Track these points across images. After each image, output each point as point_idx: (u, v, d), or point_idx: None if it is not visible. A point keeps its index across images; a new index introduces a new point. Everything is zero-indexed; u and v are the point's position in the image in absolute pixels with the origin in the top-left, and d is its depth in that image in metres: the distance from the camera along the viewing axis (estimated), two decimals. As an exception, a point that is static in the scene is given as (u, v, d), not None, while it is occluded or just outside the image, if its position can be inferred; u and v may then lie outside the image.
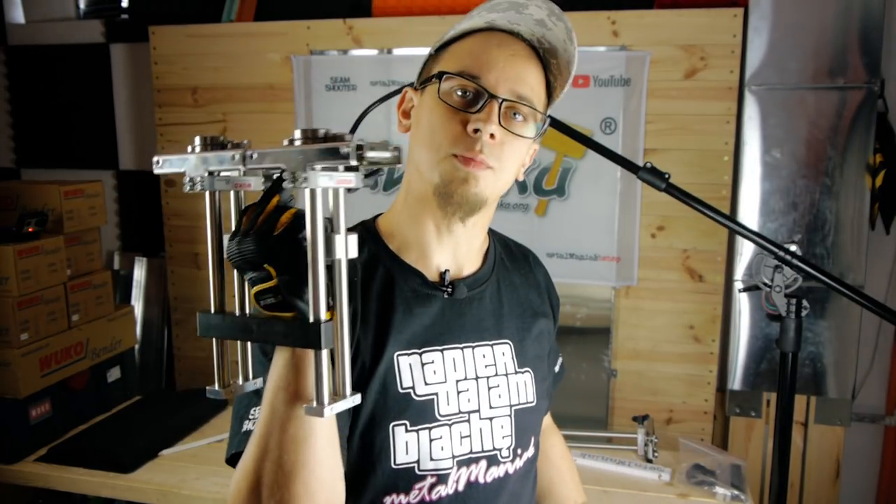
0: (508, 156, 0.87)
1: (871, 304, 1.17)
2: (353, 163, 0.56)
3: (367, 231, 0.96)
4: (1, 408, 1.98)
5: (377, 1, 2.38)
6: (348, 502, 0.76)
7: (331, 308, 0.61)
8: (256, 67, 2.44)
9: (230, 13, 2.51)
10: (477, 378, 0.92)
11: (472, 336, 0.93)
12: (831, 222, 2.04)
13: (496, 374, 0.94)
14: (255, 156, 0.60)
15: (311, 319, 0.60)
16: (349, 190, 0.62)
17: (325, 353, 0.61)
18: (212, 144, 0.64)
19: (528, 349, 0.99)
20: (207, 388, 0.68)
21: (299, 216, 0.61)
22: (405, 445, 0.86)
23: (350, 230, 0.63)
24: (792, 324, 1.30)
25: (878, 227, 2.13)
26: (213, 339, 0.67)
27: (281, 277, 0.61)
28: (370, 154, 0.57)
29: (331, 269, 0.61)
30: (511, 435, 0.94)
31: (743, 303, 2.15)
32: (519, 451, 0.95)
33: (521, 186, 2.27)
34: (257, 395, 0.72)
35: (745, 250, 2.13)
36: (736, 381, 2.18)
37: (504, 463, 0.93)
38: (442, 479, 0.88)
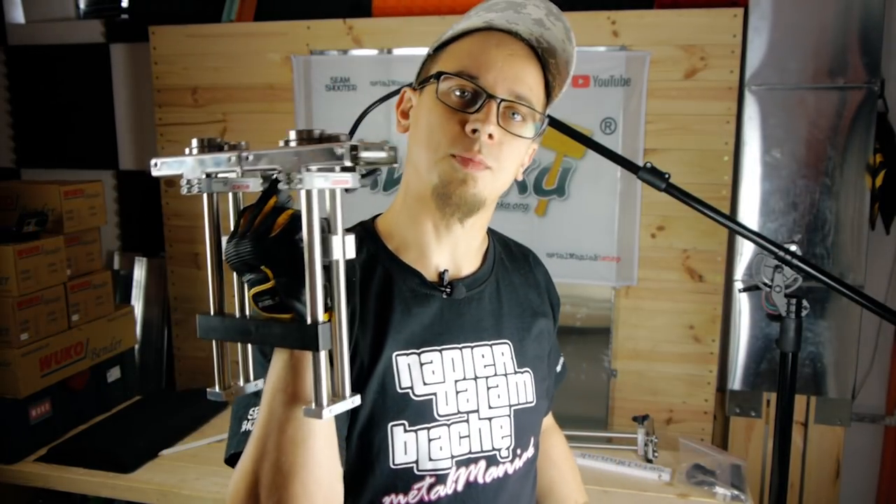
0: (507, 156, 0.87)
1: (871, 304, 1.17)
2: (348, 163, 0.56)
3: (366, 231, 0.96)
4: (1, 408, 1.98)
5: (377, 1, 2.38)
6: (347, 502, 0.76)
7: (329, 309, 0.61)
8: (256, 67, 2.44)
9: (230, 13, 2.51)
10: (476, 378, 0.92)
11: (470, 336, 0.93)
12: (831, 222, 2.04)
13: (495, 374, 0.94)
14: (250, 157, 0.60)
15: (309, 321, 0.60)
16: (347, 190, 0.62)
17: (323, 355, 0.60)
18: (209, 146, 0.64)
19: (528, 349, 0.99)
20: (208, 389, 0.68)
21: (296, 217, 0.61)
22: (404, 445, 0.86)
23: (348, 230, 0.63)
24: (792, 324, 1.30)
25: (878, 227, 2.13)
26: (213, 341, 0.67)
27: (278, 279, 0.61)
28: (365, 154, 0.57)
29: (329, 269, 0.61)
30: (510, 435, 0.93)
31: (743, 303, 2.15)
32: (518, 452, 0.95)
33: (521, 186, 2.27)
34: (256, 395, 0.71)
35: (745, 250, 2.13)
36: (736, 381, 2.18)
37: (503, 463, 0.93)
38: (441, 479, 0.88)
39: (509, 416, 0.94)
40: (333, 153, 0.56)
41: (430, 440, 0.87)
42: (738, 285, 2.14)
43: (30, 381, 2.01)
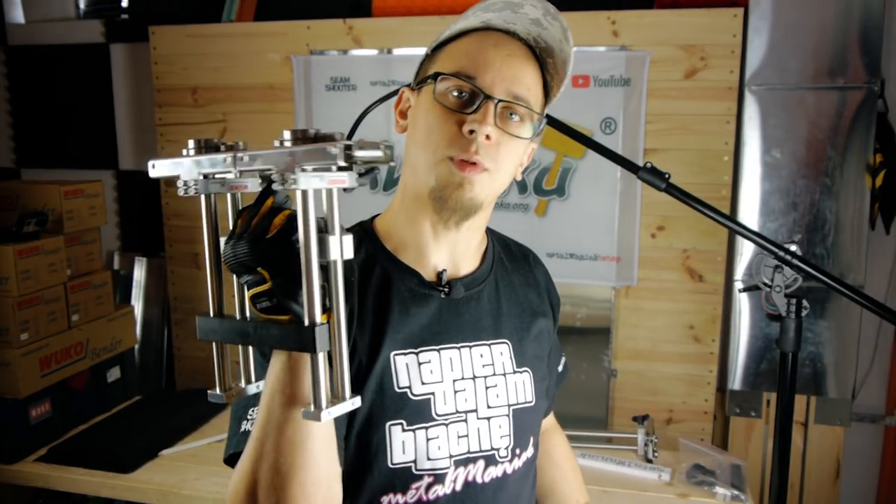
0: (505, 156, 0.87)
1: (871, 304, 1.17)
2: (342, 163, 0.56)
3: (365, 231, 0.96)
4: (1, 408, 1.98)
5: (377, 1, 2.38)
6: (345, 502, 0.76)
7: (328, 310, 0.61)
8: (256, 67, 2.44)
9: (230, 13, 2.51)
10: (474, 378, 0.92)
11: (469, 336, 0.93)
12: (831, 222, 2.04)
13: (494, 374, 0.94)
14: (245, 158, 0.59)
15: (306, 323, 0.59)
16: (346, 190, 0.61)
17: (321, 357, 0.60)
18: (205, 147, 0.64)
19: (527, 349, 0.99)
20: (209, 391, 0.68)
21: (293, 217, 0.61)
22: (402, 445, 0.86)
23: (347, 230, 0.63)
24: (792, 324, 1.30)
25: (878, 227, 2.13)
26: (213, 343, 0.67)
27: (274, 281, 0.61)
28: (360, 153, 0.56)
29: (326, 270, 0.60)
30: (509, 435, 0.93)
31: (743, 303, 2.15)
32: (517, 451, 0.95)
33: (521, 186, 2.27)
34: (256, 395, 0.71)
35: (745, 250, 2.13)
36: (736, 381, 2.18)
37: (502, 463, 0.93)
38: (439, 478, 0.88)
39: (508, 415, 0.94)
40: (327, 153, 0.55)
41: (428, 440, 0.87)
42: (738, 285, 2.14)
43: (30, 381, 2.01)
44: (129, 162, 2.83)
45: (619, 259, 2.25)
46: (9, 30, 2.88)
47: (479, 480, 0.91)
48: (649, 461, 1.93)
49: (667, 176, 1.22)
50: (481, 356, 0.93)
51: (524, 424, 0.96)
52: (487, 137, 0.84)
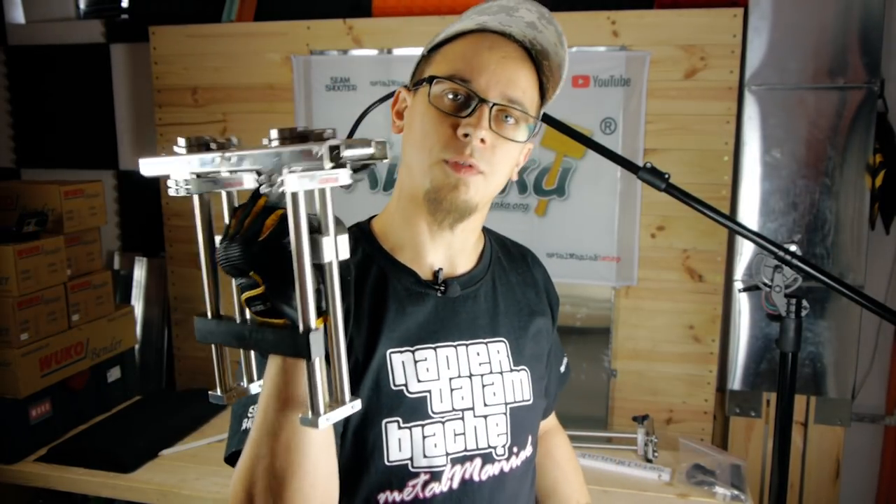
0: (500, 159, 0.87)
1: (871, 304, 1.17)
2: (328, 165, 0.53)
3: (362, 232, 0.97)
4: (1, 408, 1.98)
5: (377, 1, 2.38)
6: (342, 500, 0.76)
7: (324, 313, 0.59)
8: (256, 67, 2.44)
9: (230, 13, 2.51)
10: (471, 376, 0.92)
11: (466, 334, 0.93)
12: (831, 222, 2.04)
13: (491, 372, 0.94)
14: (233, 158, 0.57)
15: (301, 328, 0.57)
16: (343, 186, 0.59)
17: (318, 362, 0.58)
18: (196, 145, 0.62)
19: (525, 348, 0.99)
20: (209, 392, 0.67)
21: (286, 218, 0.58)
22: (398, 442, 0.86)
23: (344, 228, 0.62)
24: (792, 324, 1.30)
25: (878, 227, 2.13)
26: (213, 344, 0.67)
27: (267, 284, 0.59)
28: (347, 153, 0.54)
29: (321, 271, 0.59)
30: (506, 433, 0.94)
31: (743, 303, 2.15)
32: (515, 450, 0.95)
33: (521, 186, 2.27)
34: (257, 393, 0.72)
35: (745, 250, 2.13)
36: (736, 381, 2.18)
37: (499, 461, 0.93)
38: (436, 476, 0.88)
39: (505, 413, 0.94)
40: (312, 154, 0.53)
41: (424, 437, 0.88)
42: (738, 285, 2.14)
43: (30, 381, 2.01)
44: (129, 162, 2.83)
45: (619, 259, 2.25)
46: (9, 30, 2.88)
47: (476, 478, 0.91)
48: (649, 461, 1.93)
49: (667, 176, 1.22)
50: (478, 354, 0.94)
51: (522, 423, 0.96)
52: (482, 141, 0.84)
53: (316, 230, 0.58)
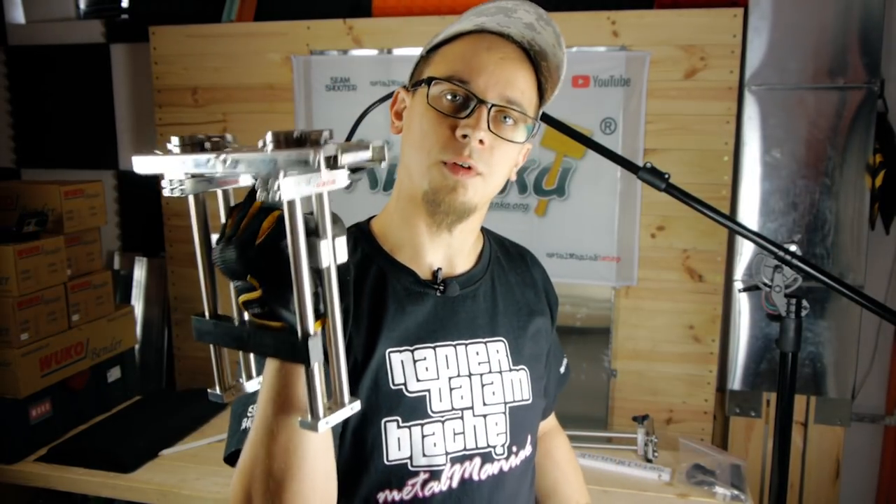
0: (498, 160, 0.87)
1: (871, 304, 1.17)
2: (324, 173, 0.52)
3: (361, 232, 0.97)
4: (1, 408, 1.98)
5: (377, 1, 2.38)
6: (342, 500, 0.76)
7: (322, 316, 0.58)
8: (256, 67, 2.44)
9: (230, 13, 2.51)
10: (470, 375, 0.92)
11: (465, 333, 0.94)
12: (831, 222, 2.04)
13: (490, 372, 0.94)
14: (228, 161, 0.55)
15: (299, 334, 0.57)
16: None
17: (316, 367, 0.58)
18: (190, 144, 0.60)
19: (524, 347, 0.99)
20: (209, 390, 0.67)
21: (282, 220, 0.56)
22: (397, 441, 0.86)
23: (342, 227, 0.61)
24: (792, 324, 1.30)
25: (878, 227, 2.13)
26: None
27: (264, 289, 0.59)
28: (345, 158, 0.53)
29: (320, 274, 0.58)
30: (506, 432, 0.94)
31: (743, 303, 2.15)
32: (514, 449, 0.95)
33: (521, 186, 2.27)
34: (256, 393, 0.71)
35: (745, 250, 2.13)
36: (736, 381, 2.18)
37: (499, 460, 0.93)
38: (435, 475, 0.88)
39: (504, 413, 0.94)
40: (307, 163, 0.51)
41: (423, 436, 0.88)
42: (738, 285, 2.14)
43: (30, 381, 2.01)
44: (129, 162, 2.79)
45: (619, 259, 2.25)
46: (9, 30, 2.88)
47: (475, 478, 0.91)
48: (649, 461, 1.93)
49: (667, 176, 1.22)
50: (477, 354, 0.94)
51: (521, 422, 0.96)
52: (481, 142, 0.84)
53: (313, 232, 0.56)
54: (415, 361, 0.89)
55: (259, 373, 0.70)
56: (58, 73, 2.84)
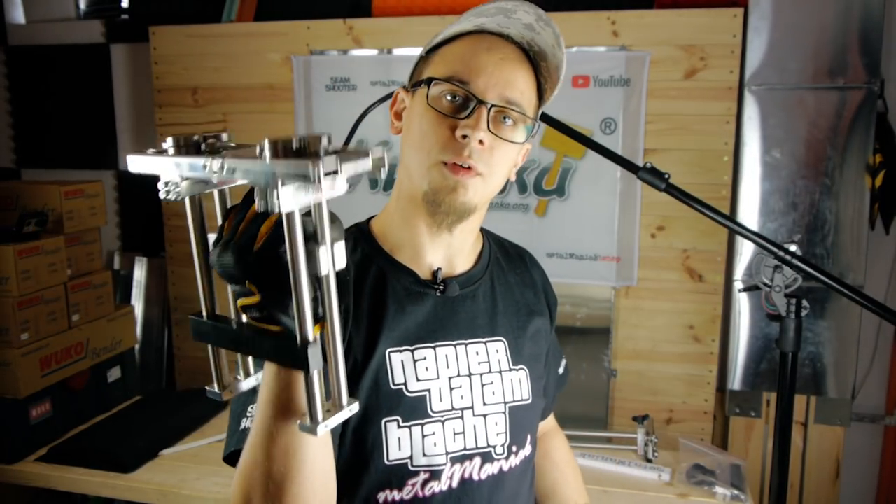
0: (498, 160, 0.87)
1: (871, 304, 1.17)
2: (324, 189, 0.51)
3: (361, 232, 0.97)
4: (1, 408, 1.98)
5: (377, 1, 2.38)
6: (342, 500, 0.76)
7: (321, 319, 0.58)
8: (256, 67, 2.44)
9: (230, 13, 2.51)
10: (470, 375, 0.92)
11: (465, 333, 0.94)
12: (831, 222, 2.04)
13: (490, 371, 0.94)
14: (224, 168, 0.54)
15: (298, 341, 0.56)
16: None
17: (315, 373, 0.57)
18: (185, 145, 0.58)
19: (524, 347, 0.99)
20: (207, 388, 0.66)
21: (280, 225, 0.55)
22: (398, 441, 0.86)
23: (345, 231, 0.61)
24: (792, 324, 1.30)
25: (878, 227, 2.13)
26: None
27: (263, 294, 0.58)
28: (345, 170, 0.51)
29: (319, 280, 0.57)
30: (506, 432, 0.94)
31: (743, 303, 2.15)
32: (514, 449, 0.95)
33: (521, 186, 2.27)
34: (255, 392, 0.71)
35: (745, 250, 2.13)
36: (736, 381, 2.18)
37: (499, 460, 0.93)
38: (435, 475, 0.88)
39: (504, 413, 0.94)
40: (307, 177, 0.49)
41: (423, 436, 0.88)
42: (738, 285, 2.14)
43: (30, 381, 2.01)
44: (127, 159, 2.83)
45: (619, 259, 2.25)
46: (9, 30, 2.88)
47: (475, 477, 0.91)
48: (649, 461, 1.93)
49: (667, 176, 1.22)
50: (477, 353, 0.94)
51: (521, 422, 0.96)
52: (481, 142, 0.84)
53: (312, 236, 0.55)
54: (415, 361, 0.89)
55: (257, 371, 0.70)
56: (58, 73, 2.84)
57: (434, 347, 0.91)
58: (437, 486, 0.88)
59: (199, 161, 0.55)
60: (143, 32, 2.55)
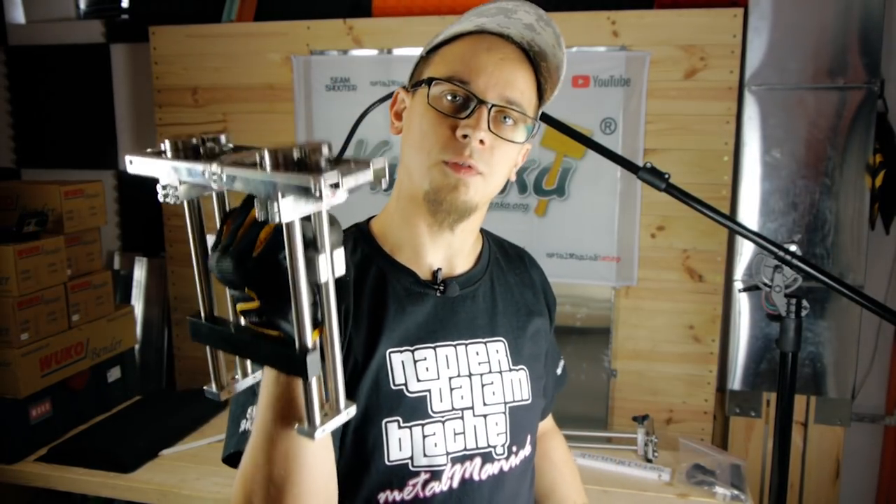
0: (498, 160, 0.87)
1: (871, 304, 1.17)
2: (325, 202, 0.50)
3: (361, 232, 0.97)
4: (1, 408, 1.98)
5: (377, 1, 2.38)
6: (343, 500, 0.76)
7: (319, 325, 0.58)
8: (256, 67, 2.44)
9: (230, 13, 2.51)
10: (470, 375, 0.92)
11: (465, 333, 0.94)
12: (831, 222, 2.04)
13: (490, 372, 0.94)
14: (224, 178, 0.54)
15: (297, 348, 0.56)
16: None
17: (314, 379, 0.57)
18: (183, 149, 0.57)
19: (524, 347, 0.99)
20: (205, 388, 0.66)
21: (280, 231, 0.55)
22: (398, 442, 0.86)
23: (344, 232, 0.61)
24: (792, 324, 1.30)
25: (878, 227, 2.13)
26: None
27: (262, 300, 0.58)
28: (346, 182, 0.51)
29: (318, 286, 0.57)
30: (506, 432, 0.94)
31: (743, 303, 2.15)
32: (514, 449, 0.95)
33: (521, 186, 2.27)
34: (255, 393, 0.71)
35: (745, 250, 2.13)
36: (736, 381, 2.18)
37: (499, 460, 0.93)
38: (436, 475, 0.88)
39: (504, 413, 0.94)
40: (308, 190, 0.49)
41: (424, 436, 0.88)
42: (738, 285, 2.14)
43: (30, 381, 2.01)
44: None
45: (619, 259, 2.25)
46: (9, 30, 2.88)
47: (476, 478, 0.91)
48: (649, 461, 1.93)
49: (667, 176, 1.22)
50: (477, 354, 0.94)
51: (521, 422, 0.96)
52: (481, 142, 0.84)
53: (311, 243, 0.55)
54: (415, 362, 0.89)
55: (255, 370, 0.70)
56: (58, 73, 2.84)
57: (434, 348, 0.91)
58: (437, 487, 0.88)
59: (199, 167, 0.55)
60: (143, 32, 2.55)
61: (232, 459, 0.79)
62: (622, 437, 2.08)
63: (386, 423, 0.86)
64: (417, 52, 0.95)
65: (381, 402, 0.86)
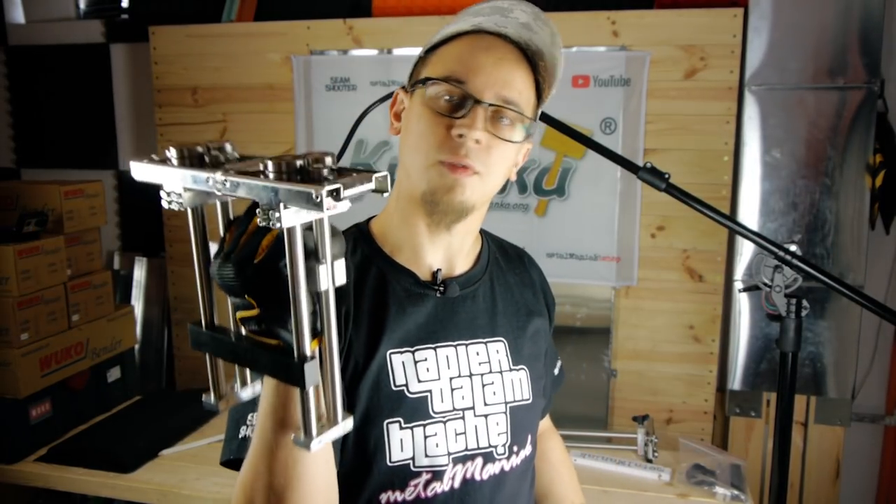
0: (495, 160, 0.87)
1: (871, 304, 1.17)
2: (326, 210, 0.50)
3: (360, 233, 0.97)
4: (1, 408, 1.98)
5: (377, 1, 2.38)
6: (344, 501, 0.76)
7: (318, 334, 0.58)
8: (256, 67, 2.44)
9: (230, 13, 2.51)
10: (471, 375, 0.92)
11: (465, 334, 0.94)
12: (831, 222, 2.04)
13: (490, 372, 0.94)
14: (227, 184, 0.54)
15: (296, 357, 0.56)
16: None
17: (311, 389, 0.57)
18: (188, 157, 0.58)
19: (524, 347, 0.99)
20: (203, 398, 0.66)
21: (281, 239, 0.55)
22: (400, 443, 0.86)
23: (344, 232, 0.61)
24: (792, 324, 1.30)
25: (878, 227, 2.13)
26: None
27: (262, 308, 0.58)
28: (348, 193, 0.51)
29: (318, 295, 0.57)
30: (507, 432, 0.94)
31: (743, 303, 2.15)
32: (515, 449, 0.95)
33: (521, 186, 2.27)
34: (255, 401, 0.71)
35: (745, 250, 2.13)
36: (736, 381, 2.18)
37: (500, 460, 0.93)
38: (437, 475, 0.88)
39: (505, 413, 0.94)
40: (310, 199, 0.50)
41: (425, 437, 0.88)
42: (738, 285, 2.14)
43: (30, 381, 2.01)
44: (128, 163, 2.82)
45: (619, 259, 2.25)
46: (9, 30, 2.88)
47: (477, 478, 0.91)
48: (649, 461, 1.93)
49: (667, 176, 1.22)
50: (477, 354, 0.94)
51: (521, 422, 0.96)
52: (477, 142, 0.84)
53: (312, 252, 0.56)
54: (416, 362, 0.89)
55: (254, 380, 0.70)
56: (58, 73, 2.84)
57: (435, 348, 0.91)
58: (439, 487, 0.88)
59: (203, 175, 0.56)
60: (142, 32, 2.55)
61: (230, 463, 0.79)
62: (622, 437, 2.08)
63: (387, 423, 0.86)
64: (417, 52, 0.95)
65: (382, 403, 0.86)
